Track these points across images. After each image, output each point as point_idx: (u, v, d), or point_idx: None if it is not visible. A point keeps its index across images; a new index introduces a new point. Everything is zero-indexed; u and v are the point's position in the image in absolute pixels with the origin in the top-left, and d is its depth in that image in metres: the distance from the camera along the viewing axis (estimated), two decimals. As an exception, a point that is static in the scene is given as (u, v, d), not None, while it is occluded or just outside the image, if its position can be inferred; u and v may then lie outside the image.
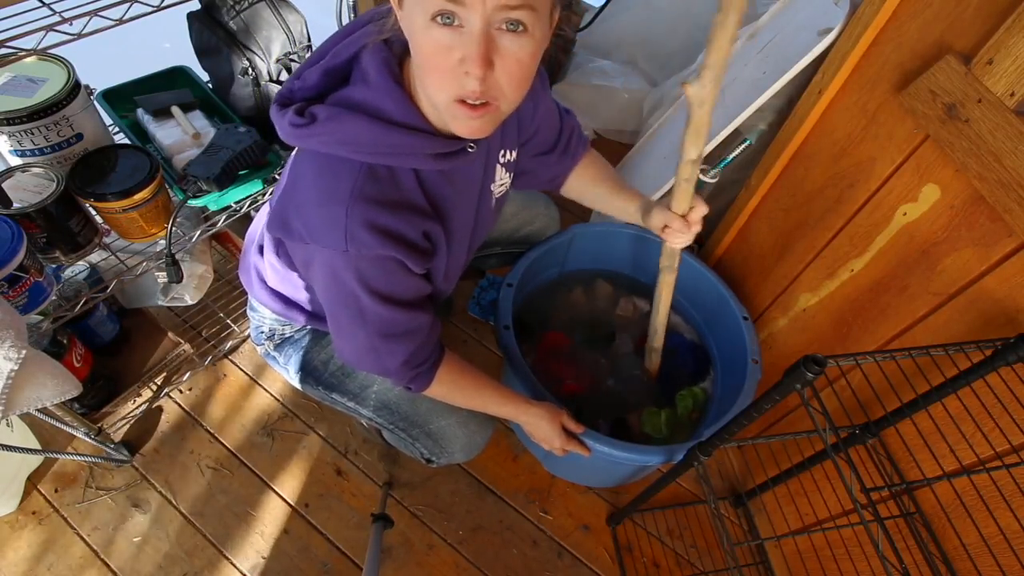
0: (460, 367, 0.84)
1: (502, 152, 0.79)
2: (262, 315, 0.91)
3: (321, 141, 0.59)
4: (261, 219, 0.89)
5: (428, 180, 0.67)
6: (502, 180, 0.82)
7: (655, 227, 0.88)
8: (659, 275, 1.00)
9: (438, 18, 0.50)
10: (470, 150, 0.66)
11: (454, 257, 0.75)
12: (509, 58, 0.52)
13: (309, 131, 0.59)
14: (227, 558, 1.13)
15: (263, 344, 0.94)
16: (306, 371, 0.91)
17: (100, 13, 0.80)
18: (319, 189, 0.61)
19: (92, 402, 1.14)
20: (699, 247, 1.44)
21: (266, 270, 0.84)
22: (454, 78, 0.53)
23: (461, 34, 0.51)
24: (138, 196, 0.90)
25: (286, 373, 0.94)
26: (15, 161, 0.89)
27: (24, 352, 0.73)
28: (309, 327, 0.91)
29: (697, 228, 0.85)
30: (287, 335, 0.92)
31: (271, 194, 1.09)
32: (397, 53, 0.62)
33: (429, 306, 0.75)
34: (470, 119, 0.56)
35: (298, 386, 0.94)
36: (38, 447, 1.18)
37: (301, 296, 0.84)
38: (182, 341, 1.27)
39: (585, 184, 0.97)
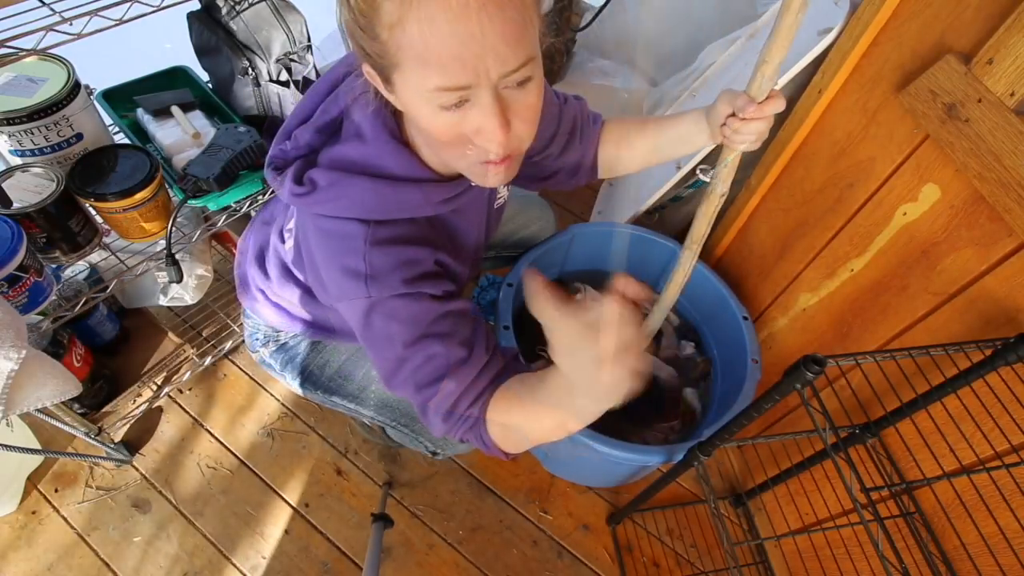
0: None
1: None
2: (256, 322, 0.90)
3: (326, 208, 0.58)
4: (251, 231, 0.88)
5: (438, 217, 0.66)
6: (501, 194, 0.82)
7: (718, 117, 0.69)
8: (705, 196, 0.77)
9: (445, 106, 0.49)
10: (473, 184, 0.65)
11: (462, 274, 0.74)
12: (521, 108, 0.51)
13: (312, 199, 0.58)
14: (227, 558, 1.13)
15: (259, 351, 0.93)
16: (304, 376, 0.91)
17: (100, 13, 0.80)
18: (332, 250, 0.61)
19: (92, 402, 1.14)
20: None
21: (270, 284, 0.83)
22: (473, 148, 0.52)
23: (470, 108, 0.49)
24: (138, 196, 0.90)
25: (284, 379, 0.93)
26: (15, 161, 0.89)
27: (24, 352, 0.73)
28: (305, 334, 0.91)
29: (769, 123, 0.66)
30: (282, 341, 0.92)
31: (271, 196, 1.09)
32: (389, 105, 0.59)
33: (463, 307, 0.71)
34: (496, 173, 0.55)
35: (298, 391, 0.94)
36: (38, 447, 1.18)
37: (302, 310, 0.84)
38: (182, 341, 1.27)
39: (620, 151, 0.86)
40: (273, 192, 1.10)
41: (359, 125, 0.58)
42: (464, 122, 0.50)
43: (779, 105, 0.64)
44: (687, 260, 0.91)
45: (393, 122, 0.59)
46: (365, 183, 0.57)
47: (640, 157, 0.86)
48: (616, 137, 0.86)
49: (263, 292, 0.85)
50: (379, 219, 0.59)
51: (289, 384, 0.93)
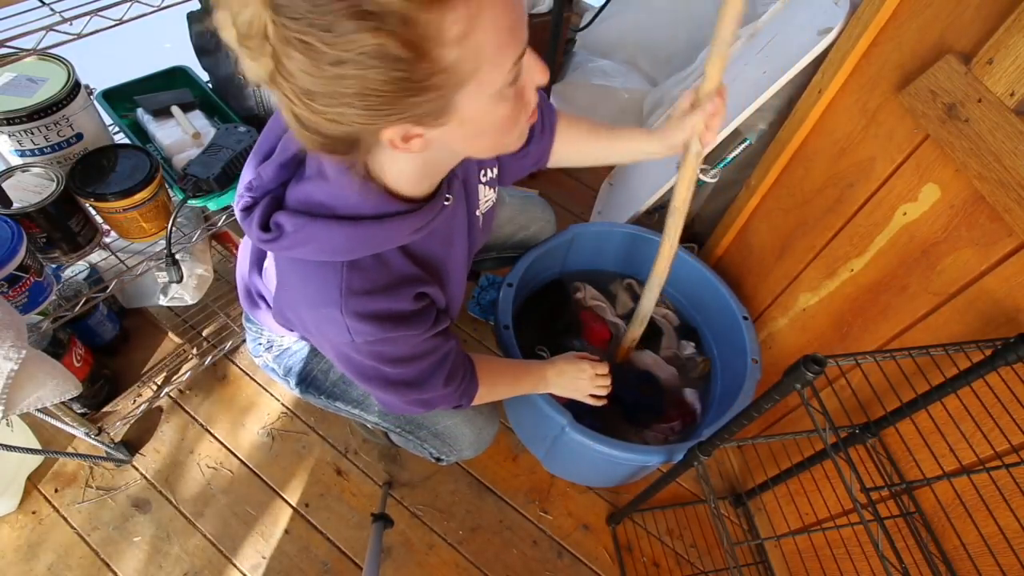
0: (483, 360, 0.86)
1: (483, 172, 0.77)
2: (258, 327, 0.90)
3: (296, 252, 0.58)
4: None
5: (416, 248, 0.65)
6: (487, 198, 0.81)
7: (687, 131, 0.80)
8: (683, 158, 0.84)
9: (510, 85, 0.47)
10: (446, 203, 0.64)
11: (454, 292, 0.75)
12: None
13: (280, 244, 0.57)
14: (227, 558, 1.13)
15: (261, 356, 0.93)
16: (307, 381, 0.91)
17: (100, 13, 0.80)
18: (308, 294, 0.61)
19: (92, 402, 1.14)
20: (699, 247, 1.44)
21: (270, 290, 0.83)
22: (523, 113, 0.52)
23: (522, 67, 0.48)
24: (138, 196, 0.90)
25: (287, 384, 0.93)
26: (15, 161, 0.89)
27: (24, 352, 0.73)
28: (308, 339, 0.91)
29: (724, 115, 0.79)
30: (285, 346, 0.91)
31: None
32: None
33: (446, 335, 0.74)
34: (532, 123, 0.56)
35: (300, 396, 0.94)
36: (38, 447, 1.18)
37: None
38: (182, 341, 1.27)
39: (574, 148, 0.91)
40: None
41: (321, 162, 0.57)
42: (518, 88, 0.49)
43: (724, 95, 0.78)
44: (672, 227, 0.92)
45: None
46: (332, 226, 0.56)
47: (590, 159, 0.94)
48: (572, 137, 0.91)
49: (264, 298, 0.85)
50: (352, 259, 0.59)
51: (292, 389, 0.93)
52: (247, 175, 0.63)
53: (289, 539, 1.16)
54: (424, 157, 0.55)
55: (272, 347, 0.92)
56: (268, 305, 0.84)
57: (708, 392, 1.22)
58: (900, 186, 0.82)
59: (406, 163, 0.56)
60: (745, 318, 1.14)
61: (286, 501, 1.20)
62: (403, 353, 0.67)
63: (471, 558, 1.17)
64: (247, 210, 0.60)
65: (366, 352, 0.64)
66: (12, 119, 0.83)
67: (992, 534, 0.67)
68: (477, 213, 0.79)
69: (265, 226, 0.58)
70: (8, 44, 0.73)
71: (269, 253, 0.79)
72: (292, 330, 0.80)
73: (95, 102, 1.00)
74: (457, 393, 0.77)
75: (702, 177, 1.25)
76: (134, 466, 1.21)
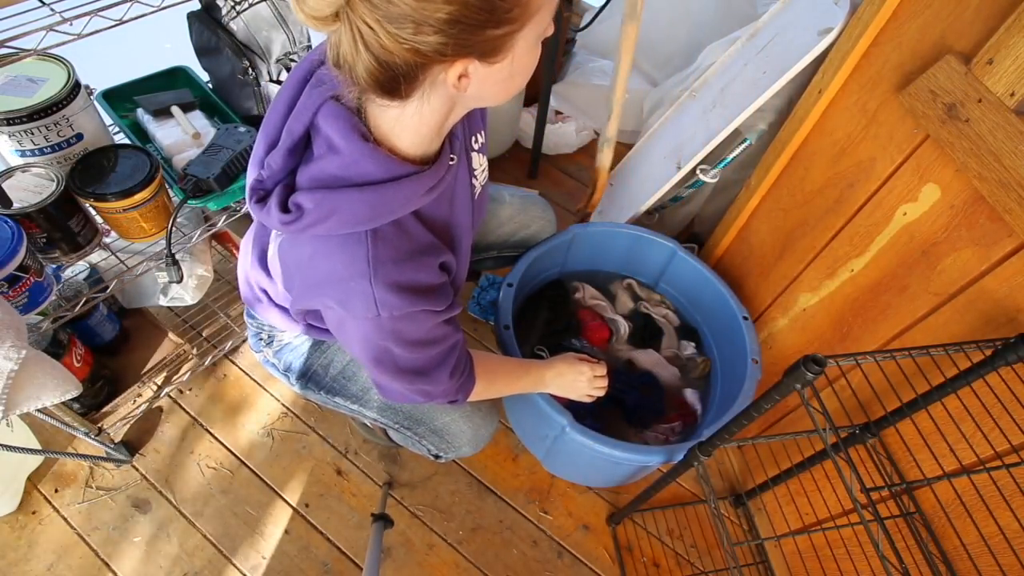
0: (483, 357, 0.86)
1: (473, 138, 0.78)
2: (260, 323, 0.90)
3: (319, 229, 0.58)
4: (253, 231, 0.88)
5: (428, 213, 0.66)
6: (481, 165, 0.82)
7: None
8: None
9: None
10: (451, 163, 0.65)
11: (462, 265, 0.76)
12: None
13: (302, 224, 0.57)
14: (227, 558, 1.13)
15: (262, 351, 0.93)
16: (307, 377, 0.91)
17: (100, 13, 0.80)
18: (336, 269, 0.61)
19: (92, 402, 1.14)
20: (699, 247, 1.44)
21: (273, 285, 0.83)
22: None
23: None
24: (138, 196, 0.90)
25: (286, 380, 0.93)
26: (15, 161, 0.89)
27: (24, 352, 0.73)
28: (308, 335, 0.91)
29: None
30: (286, 341, 0.92)
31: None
32: (352, 105, 0.58)
33: (456, 325, 0.75)
34: None
35: (299, 392, 0.94)
36: (38, 447, 1.18)
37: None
38: (182, 341, 1.27)
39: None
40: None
41: (329, 137, 0.57)
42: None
43: None
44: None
45: (362, 125, 0.58)
46: (352, 194, 0.57)
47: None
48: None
49: (266, 293, 0.85)
50: (375, 227, 0.60)
51: (291, 384, 0.93)
52: (254, 169, 0.63)
53: (289, 539, 1.16)
54: (443, 109, 0.57)
55: (272, 342, 0.92)
56: (270, 299, 0.85)
57: (708, 392, 1.22)
58: (900, 186, 0.82)
59: (422, 119, 0.57)
60: (745, 318, 1.14)
61: (286, 501, 1.20)
62: (419, 335, 0.67)
63: (471, 558, 1.17)
64: (262, 201, 0.60)
65: (388, 330, 0.64)
66: (12, 119, 0.83)
67: (992, 534, 0.67)
68: (475, 182, 0.80)
69: (284, 209, 0.58)
70: (8, 44, 0.73)
71: (272, 247, 0.79)
72: (305, 320, 0.80)
73: (95, 102, 1.00)
74: (455, 387, 0.77)
75: (702, 177, 1.25)
76: (134, 466, 1.21)
